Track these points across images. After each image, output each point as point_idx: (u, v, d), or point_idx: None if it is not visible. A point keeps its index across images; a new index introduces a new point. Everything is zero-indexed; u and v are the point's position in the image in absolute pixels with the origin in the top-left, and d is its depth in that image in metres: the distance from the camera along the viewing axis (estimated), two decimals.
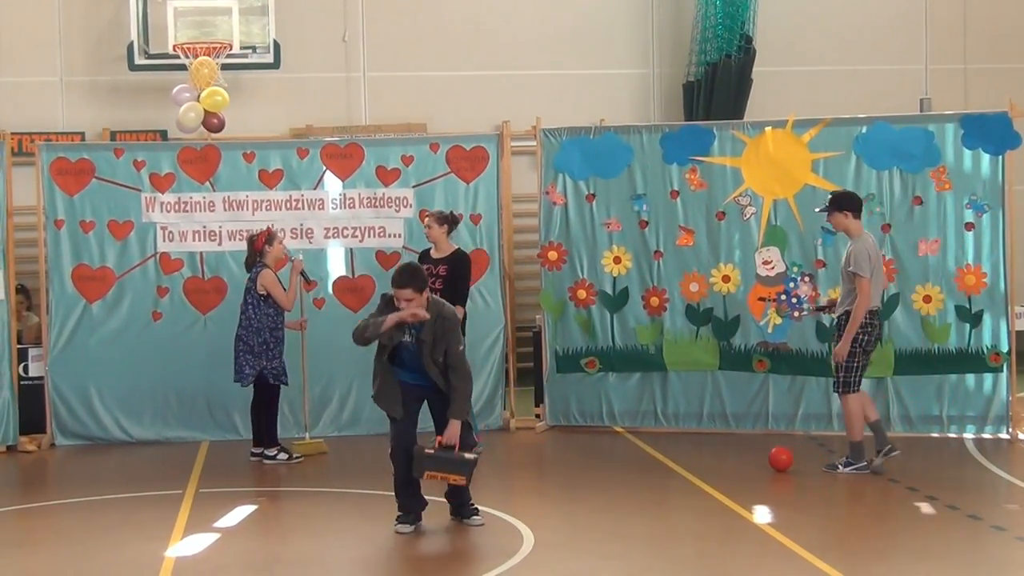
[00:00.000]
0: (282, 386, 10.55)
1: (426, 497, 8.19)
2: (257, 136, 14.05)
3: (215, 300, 11.50)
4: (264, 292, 10.30)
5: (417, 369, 7.96)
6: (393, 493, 8.16)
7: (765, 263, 11.27)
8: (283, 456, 10.44)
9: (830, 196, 9.80)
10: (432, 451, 7.90)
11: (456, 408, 7.94)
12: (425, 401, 8.19)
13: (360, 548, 7.90)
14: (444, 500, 8.30)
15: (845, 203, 9.62)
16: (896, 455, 9.60)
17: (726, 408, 11.40)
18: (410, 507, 8.08)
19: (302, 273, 10.58)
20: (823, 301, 10.73)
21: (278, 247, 10.50)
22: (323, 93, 15.38)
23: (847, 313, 9.46)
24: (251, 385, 10.47)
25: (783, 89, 15.18)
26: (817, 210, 10.01)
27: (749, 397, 11.35)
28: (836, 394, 9.76)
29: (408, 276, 7.93)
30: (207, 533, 8.11)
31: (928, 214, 11.04)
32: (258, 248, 10.42)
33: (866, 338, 9.45)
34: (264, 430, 10.52)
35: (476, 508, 8.23)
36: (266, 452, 10.47)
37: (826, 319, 10.87)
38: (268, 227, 10.77)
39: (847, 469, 9.51)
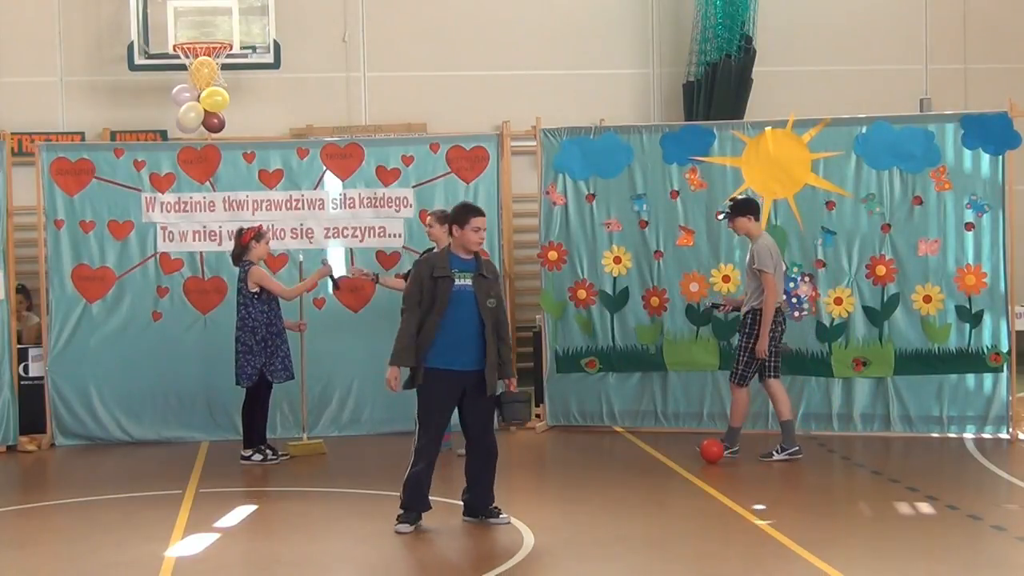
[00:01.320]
0: (276, 384, 10.47)
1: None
2: (257, 136, 14.06)
3: (215, 300, 11.50)
4: (256, 289, 10.28)
5: (470, 321, 7.94)
6: (399, 491, 8.07)
7: None
8: (258, 457, 10.37)
9: (730, 203, 10.22)
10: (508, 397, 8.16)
11: (508, 369, 8.12)
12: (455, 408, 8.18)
13: (360, 548, 7.89)
14: (446, 501, 8.29)
15: (746, 208, 10.05)
16: (800, 459, 9.92)
17: (726, 408, 11.37)
18: (415, 505, 8.06)
19: (330, 276, 10.64)
20: (720, 300, 10.81)
21: (264, 246, 10.47)
22: (323, 93, 15.39)
23: (753, 311, 9.83)
24: (250, 385, 10.42)
25: (783, 89, 15.19)
26: (719, 217, 10.45)
27: (749, 397, 11.33)
28: (731, 383, 10.15)
29: (474, 206, 8.41)
30: (207, 533, 8.11)
31: (928, 214, 11.04)
32: (244, 242, 10.39)
33: (773, 334, 9.82)
34: (255, 430, 10.44)
35: (498, 507, 8.20)
36: (242, 452, 10.41)
37: (824, 317, 10.89)
38: (260, 224, 10.76)
39: (729, 454, 10.02)
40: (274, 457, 10.42)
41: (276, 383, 10.46)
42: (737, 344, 10.13)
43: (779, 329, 9.97)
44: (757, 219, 10.10)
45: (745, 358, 9.94)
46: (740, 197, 10.50)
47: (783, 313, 10.10)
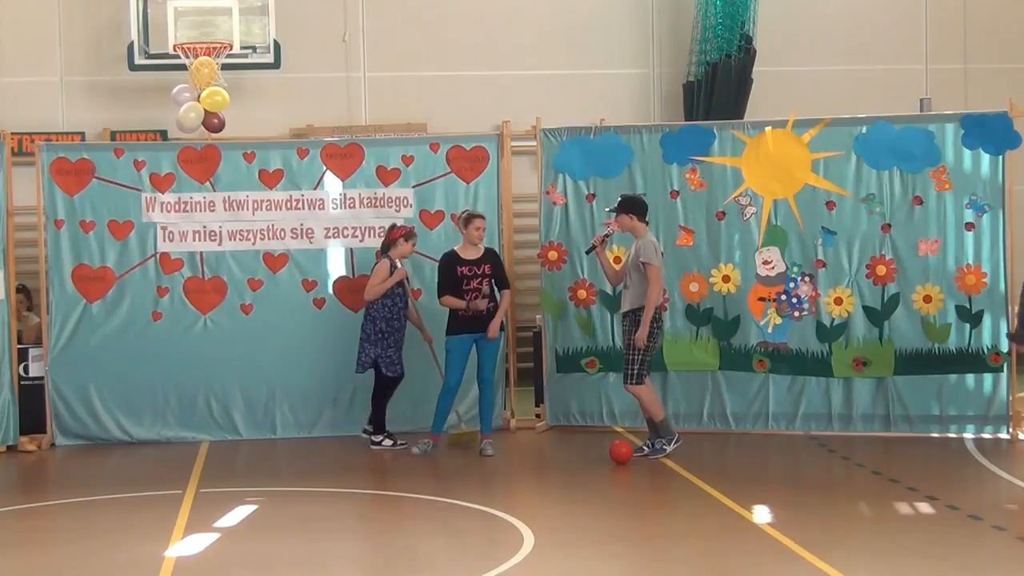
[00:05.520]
0: (396, 377, 10.82)
1: (425, 497, 8.18)
2: (257, 136, 14.05)
3: (215, 300, 11.49)
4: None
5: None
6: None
7: (765, 263, 11.27)
8: (388, 443, 10.80)
9: (619, 199, 10.29)
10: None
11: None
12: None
13: (360, 548, 7.90)
14: (446, 501, 8.24)
15: (631, 206, 10.16)
16: (656, 459, 10.05)
17: (726, 408, 11.39)
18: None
19: (405, 280, 10.80)
20: (607, 230, 10.54)
21: (408, 247, 10.77)
22: (323, 93, 15.39)
23: (634, 310, 9.97)
24: (365, 372, 10.80)
25: (783, 89, 15.19)
26: (607, 209, 10.52)
27: (749, 397, 11.34)
28: (624, 387, 10.23)
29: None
30: (207, 533, 8.10)
31: (928, 214, 11.04)
32: (393, 238, 10.74)
33: (654, 330, 10.01)
34: (375, 418, 10.86)
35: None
36: (372, 437, 10.84)
37: (824, 317, 10.91)
38: (412, 227, 11.03)
39: (670, 447, 10.09)
40: (402, 444, 10.79)
41: (388, 375, 10.75)
42: (624, 344, 10.16)
43: (658, 328, 10.12)
44: (643, 219, 10.17)
45: (634, 356, 10.03)
46: (629, 195, 10.53)
47: (661, 314, 10.28)
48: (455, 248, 10.69)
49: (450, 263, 10.57)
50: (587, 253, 10.70)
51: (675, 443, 10.15)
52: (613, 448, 10.13)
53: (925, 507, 8.57)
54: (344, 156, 11.67)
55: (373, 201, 11.60)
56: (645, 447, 10.23)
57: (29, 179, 11.77)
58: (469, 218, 10.61)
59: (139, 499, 9.22)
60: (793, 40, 15.71)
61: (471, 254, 10.59)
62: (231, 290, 11.46)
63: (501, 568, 7.15)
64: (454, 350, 10.54)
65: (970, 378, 11.01)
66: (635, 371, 10.07)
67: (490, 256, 10.67)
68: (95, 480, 10.00)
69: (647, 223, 10.27)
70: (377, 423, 10.89)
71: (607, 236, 10.37)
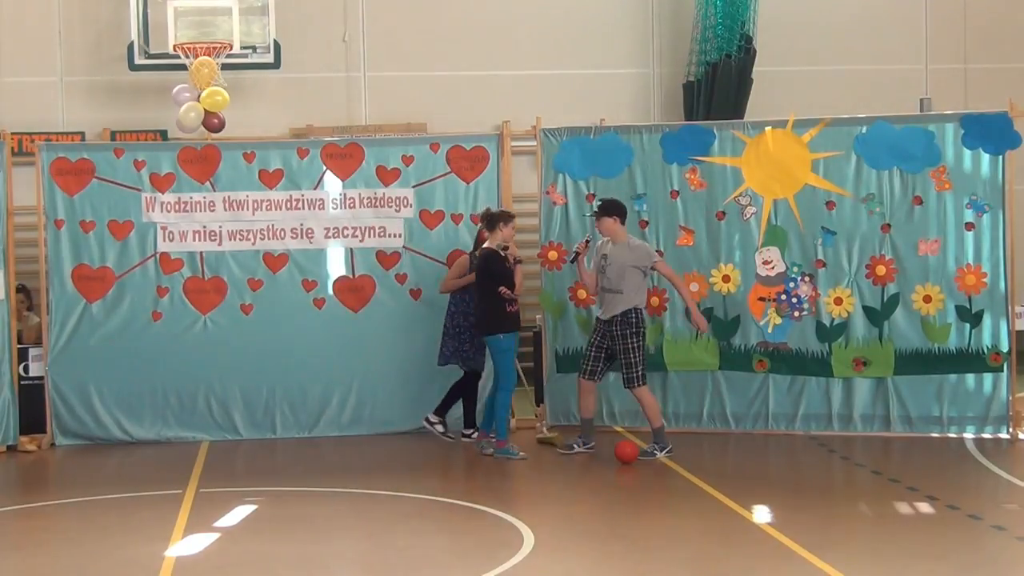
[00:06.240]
0: (472, 373, 10.95)
1: (425, 497, 8.18)
2: (257, 136, 14.05)
3: (215, 300, 11.49)
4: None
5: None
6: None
7: (765, 263, 11.27)
8: (440, 428, 10.91)
9: (600, 203, 10.40)
10: None
11: None
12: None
13: (360, 548, 7.90)
14: (445, 501, 8.25)
15: (615, 209, 10.29)
16: (572, 455, 10.32)
17: (726, 408, 11.39)
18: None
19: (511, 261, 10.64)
20: (588, 236, 10.78)
21: (508, 231, 10.45)
22: (323, 93, 15.39)
23: (630, 311, 10.11)
24: (445, 366, 10.91)
25: (783, 89, 15.19)
26: (587, 215, 10.63)
27: (749, 397, 11.34)
28: (631, 390, 10.30)
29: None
30: (207, 533, 8.11)
31: (928, 214, 11.04)
32: (481, 239, 10.70)
33: (644, 330, 10.28)
34: (466, 413, 11.06)
35: None
36: (463, 431, 11.04)
37: (824, 317, 10.92)
38: (491, 210, 10.85)
39: (661, 454, 10.19)
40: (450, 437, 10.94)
41: (466, 370, 10.87)
42: (622, 348, 10.17)
43: (644, 328, 10.29)
44: (623, 223, 10.31)
45: (635, 358, 10.13)
46: (609, 199, 10.60)
47: (644, 315, 10.34)
48: (492, 246, 10.49)
49: (499, 260, 10.35)
50: (571, 262, 10.67)
51: (667, 452, 10.21)
52: (618, 448, 10.14)
53: (925, 507, 8.57)
54: (344, 156, 11.66)
55: (373, 201, 11.60)
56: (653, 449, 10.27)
57: (29, 179, 11.77)
58: (507, 217, 10.50)
59: (139, 499, 9.22)
60: (793, 40, 15.71)
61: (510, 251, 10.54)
62: (231, 290, 11.46)
63: (501, 568, 7.15)
64: (509, 349, 10.38)
65: (970, 378, 11.01)
66: (639, 372, 10.15)
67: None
68: (95, 480, 10.01)
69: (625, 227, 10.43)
70: (468, 419, 11.05)
71: (588, 242, 10.48)
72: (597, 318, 10.47)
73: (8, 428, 11.15)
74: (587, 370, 10.39)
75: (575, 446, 10.43)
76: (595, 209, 10.39)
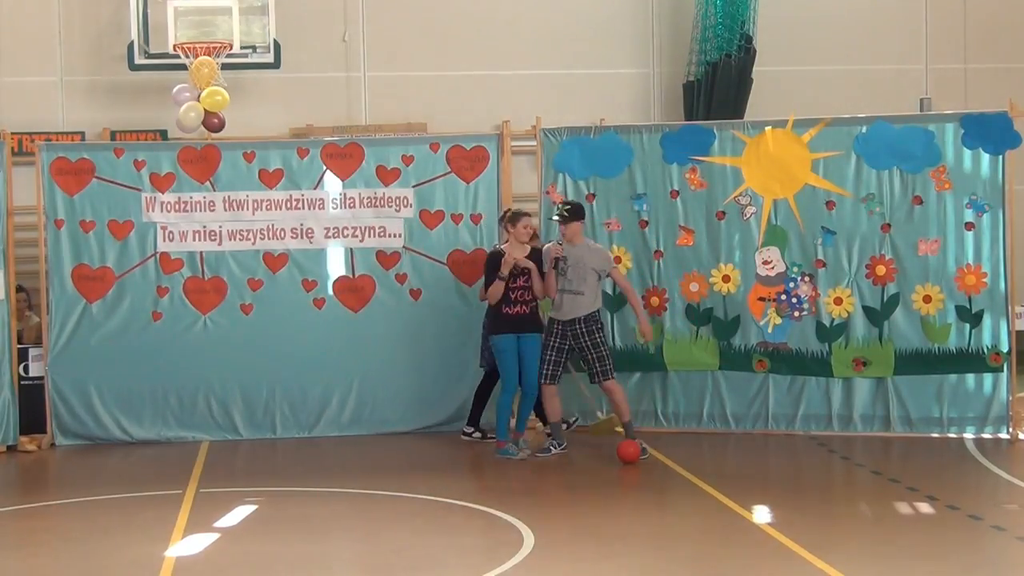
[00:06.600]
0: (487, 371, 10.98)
1: (425, 497, 8.17)
2: (257, 136, 14.04)
3: (215, 300, 11.49)
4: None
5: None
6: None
7: (765, 263, 11.27)
8: (477, 435, 11.00)
9: (568, 207, 10.37)
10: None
11: None
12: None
13: (360, 548, 7.90)
14: (445, 501, 8.26)
15: (582, 213, 10.48)
16: (538, 455, 10.33)
17: (726, 408, 11.39)
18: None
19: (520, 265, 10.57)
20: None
21: (518, 230, 10.36)
22: (323, 93, 15.38)
23: (592, 314, 10.17)
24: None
25: (783, 89, 15.18)
26: (554, 218, 10.56)
27: (749, 397, 11.34)
28: (601, 384, 10.29)
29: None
30: (207, 533, 8.11)
31: (928, 214, 11.04)
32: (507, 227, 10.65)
33: (603, 326, 10.41)
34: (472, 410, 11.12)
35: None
36: (463, 430, 11.08)
37: (824, 317, 10.91)
38: (508, 209, 10.95)
39: (557, 451, 10.33)
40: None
41: (487, 369, 10.88)
42: (590, 345, 10.17)
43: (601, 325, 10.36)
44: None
45: (603, 352, 10.18)
46: (575, 202, 10.73)
47: (600, 313, 10.39)
48: (500, 246, 10.49)
49: (497, 261, 10.32)
50: (554, 268, 10.45)
51: (560, 449, 10.34)
52: (620, 447, 10.13)
53: (925, 507, 8.57)
54: (344, 156, 11.66)
55: (373, 201, 11.60)
56: (644, 449, 10.23)
57: (29, 179, 11.77)
58: (516, 216, 10.44)
59: (139, 499, 9.23)
60: (793, 40, 15.70)
61: (518, 253, 10.36)
62: (231, 290, 11.46)
63: (501, 568, 7.15)
64: (506, 350, 10.33)
65: (970, 378, 11.01)
66: (609, 366, 10.21)
67: (535, 255, 10.38)
68: (95, 480, 10.00)
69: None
70: (474, 418, 11.11)
71: (561, 244, 10.41)
72: (552, 319, 10.33)
73: (8, 428, 11.15)
74: (548, 374, 10.22)
75: (551, 448, 10.36)
76: (563, 213, 10.29)
